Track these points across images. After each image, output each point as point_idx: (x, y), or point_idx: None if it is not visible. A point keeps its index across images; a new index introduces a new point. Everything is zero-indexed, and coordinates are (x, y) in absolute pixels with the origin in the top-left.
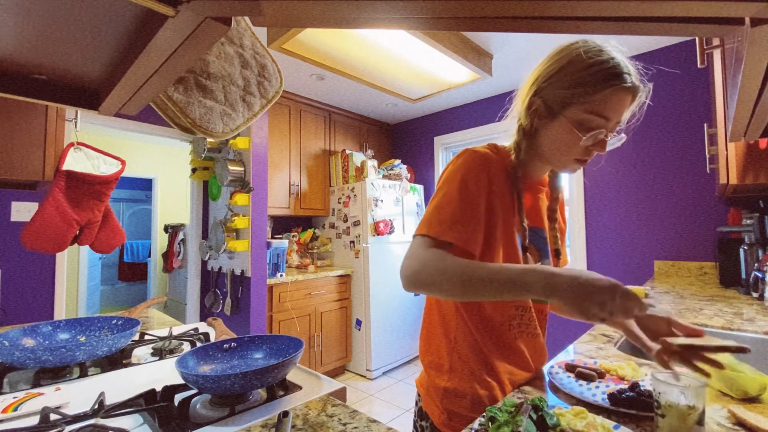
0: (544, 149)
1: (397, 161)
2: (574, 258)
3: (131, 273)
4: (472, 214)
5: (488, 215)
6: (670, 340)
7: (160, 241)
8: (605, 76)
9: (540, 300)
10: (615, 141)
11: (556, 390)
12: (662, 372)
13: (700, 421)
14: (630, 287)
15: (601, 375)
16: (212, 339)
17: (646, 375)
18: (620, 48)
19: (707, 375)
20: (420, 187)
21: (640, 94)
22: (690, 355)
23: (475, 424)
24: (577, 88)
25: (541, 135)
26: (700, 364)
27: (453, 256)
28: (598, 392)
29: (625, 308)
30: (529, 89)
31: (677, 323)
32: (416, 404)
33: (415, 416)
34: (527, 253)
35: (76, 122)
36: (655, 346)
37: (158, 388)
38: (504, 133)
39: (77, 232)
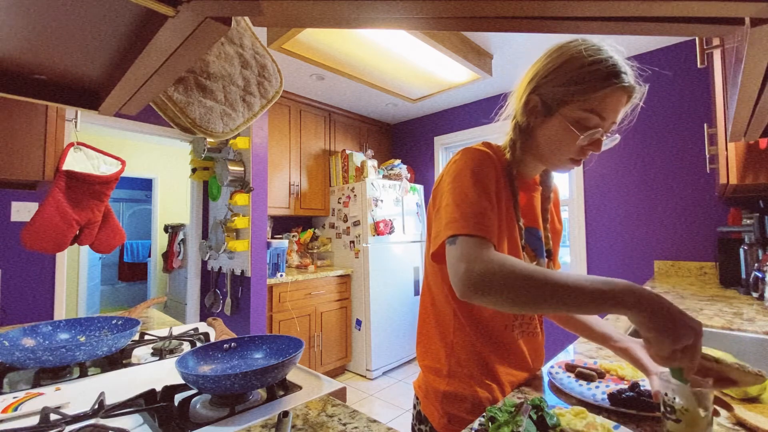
0: (540, 147)
1: (397, 161)
2: (575, 258)
3: (131, 273)
4: (490, 206)
5: (497, 208)
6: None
7: (160, 241)
8: (604, 75)
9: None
10: (609, 141)
11: (556, 390)
12: (667, 372)
13: (711, 422)
14: None
15: (601, 375)
16: (212, 339)
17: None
18: (618, 47)
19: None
20: (420, 187)
21: (635, 95)
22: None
23: (475, 424)
24: (575, 86)
25: (538, 133)
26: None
27: (515, 258)
28: (598, 392)
29: (693, 356)
30: (526, 87)
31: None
32: (414, 407)
33: (413, 420)
34: (524, 252)
35: (76, 122)
36: (656, 370)
37: (158, 388)
38: (501, 133)
39: (77, 232)
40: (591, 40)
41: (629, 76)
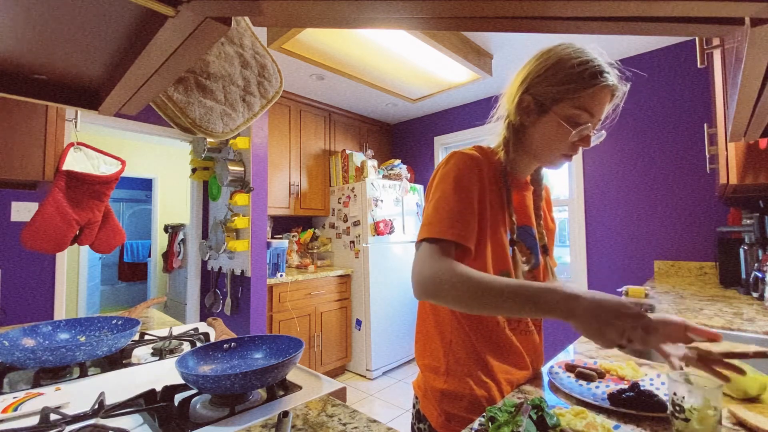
0: (534, 144)
1: (397, 161)
2: (575, 258)
3: (131, 273)
4: (468, 210)
5: (480, 212)
6: (688, 345)
7: (160, 241)
8: (592, 74)
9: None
10: (596, 138)
11: (556, 390)
12: (675, 372)
13: (719, 421)
14: (630, 287)
15: (601, 375)
16: (212, 339)
17: (646, 375)
18: (600, 50)
19: (725, 379)
20: (420, 187)
21: (617, 94)
22: (710, 361)
23: (475, 424)
24: (567, 85)
25: (531, 131)
26: (721, 369)
27: (464, 266)
28: (598, 392)
29: (645, 340)
30: (518, 88)
31: (694, 328)
32: (413, 407)
33: (412, 419)
34: (515, 249)
35: (76, 122)
36: (670, 352)
37: (158, 388)
38: (492, 135)
39: (77, 232)
40: (575, 44)
41: (612, 75)
